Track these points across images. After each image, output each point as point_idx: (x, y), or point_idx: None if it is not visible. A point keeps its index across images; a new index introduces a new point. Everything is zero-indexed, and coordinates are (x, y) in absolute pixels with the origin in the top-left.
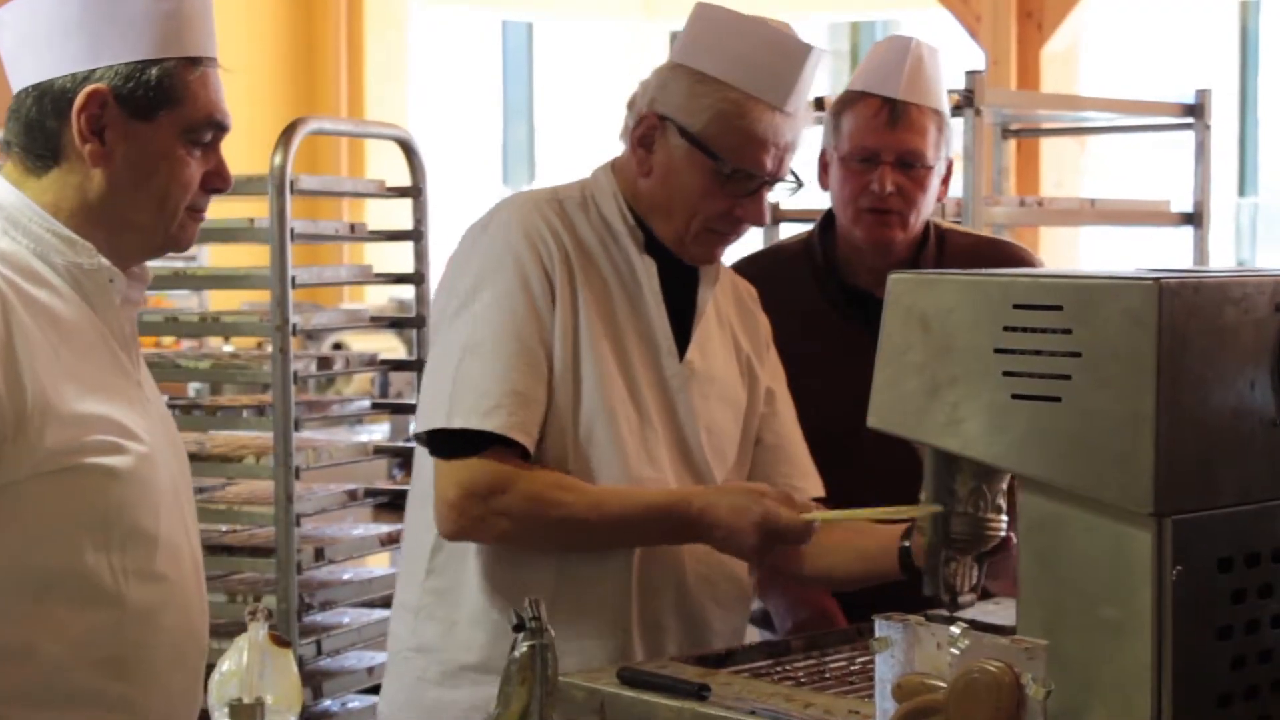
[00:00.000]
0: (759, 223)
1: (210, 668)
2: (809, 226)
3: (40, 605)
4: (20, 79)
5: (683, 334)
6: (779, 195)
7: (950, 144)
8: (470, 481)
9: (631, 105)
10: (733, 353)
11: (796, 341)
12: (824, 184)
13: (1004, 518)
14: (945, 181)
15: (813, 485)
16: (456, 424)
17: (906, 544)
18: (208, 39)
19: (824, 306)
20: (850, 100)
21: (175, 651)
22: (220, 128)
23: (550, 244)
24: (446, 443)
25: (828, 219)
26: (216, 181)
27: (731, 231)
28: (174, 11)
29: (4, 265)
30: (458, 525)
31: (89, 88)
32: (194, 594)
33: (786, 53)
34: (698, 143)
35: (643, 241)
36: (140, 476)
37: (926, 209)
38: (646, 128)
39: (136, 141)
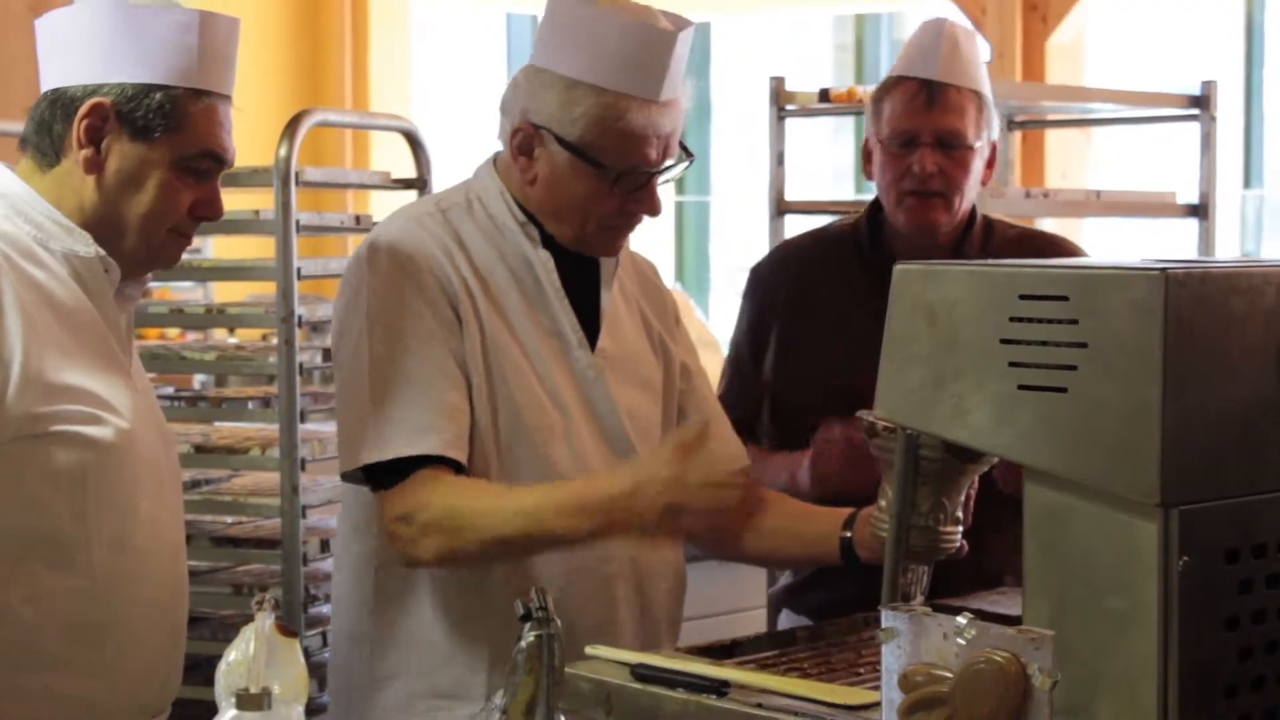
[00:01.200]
0: (655, 213)
1: (216, 658)
2: (816, 218)
3: (17, 568)
4: (46, 81)
5: (590, 322)
6: (678, 171)
7: (993, 126)
8: (402, 505)
9: (504, 110)
10: (644, 333)
11: (840, 323)
12: (869, 173)
13: (959, 529)
14: (990, 165)
15: (739, 453)
16: (390, 455)
17: (848, 534)
18: (223, 76)
19: (868, 290)
20: (889, 86)
21: (149, 624)
22: (217, 161)
23: (441, 260)
24: (382, 474)
25: (875, 206)
26: (205, 210)
27: (629, 224)
28: (194, 45)
29: (4, 244)
30: (399, 552)
31: (94, 99)
32: (171, 570)
33: (652, 41)
34: (578, 151)
35: (537, 237)
36: (119, 449)
37: (971, 192)
38: (524, 137)
39: (130, 158)
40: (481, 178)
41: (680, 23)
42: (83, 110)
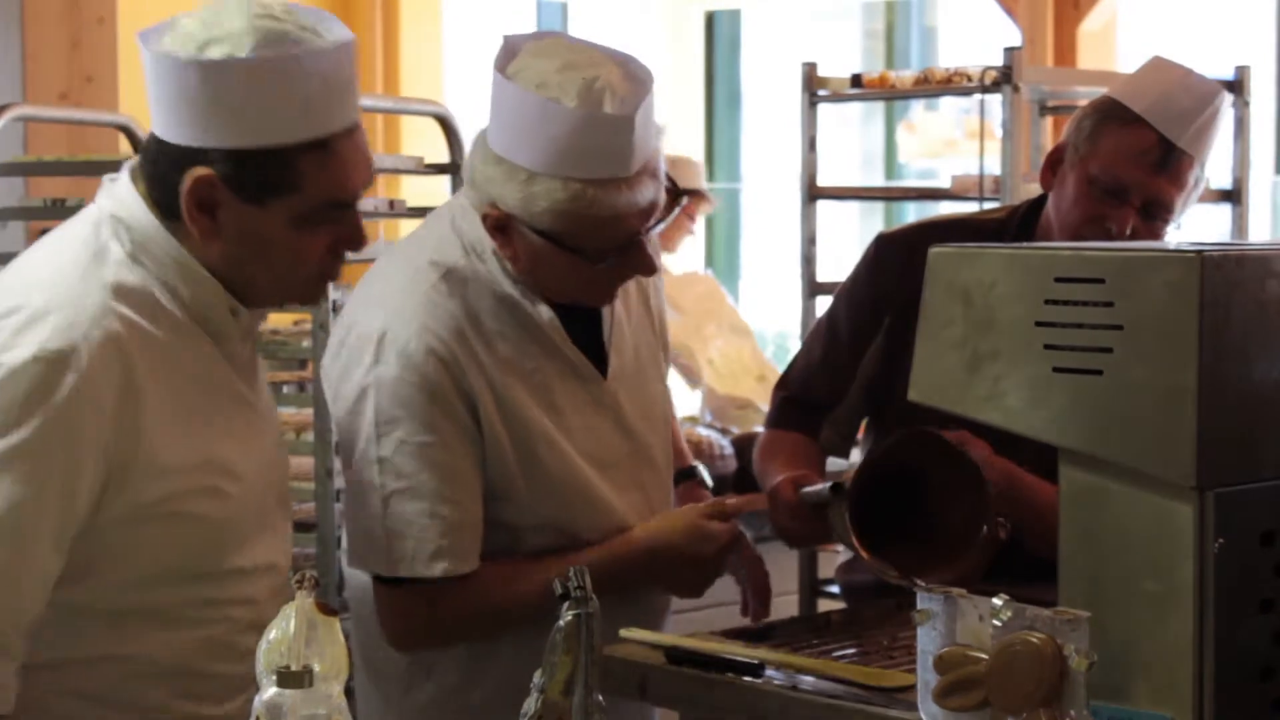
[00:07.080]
0: (650, 272)
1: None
2: (847, 204)
3: (115, 630)
4: (152, 122)
5: (596, 344)
6: (668, 221)
7: (1190, 204)
8: (415, 608)
9: (469, 182)
10: (645, 310)
11: None
12: (1047, 183)
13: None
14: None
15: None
16: (399, 574)
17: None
18: (341, 109)
19: None
20: (1121, 118)
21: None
22: (344, 206)
23: (454, 350)
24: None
25: (1034, 208)
26: (346, 246)
27: (623, 280)
28: (295, 93)
29: (127, 305)
30: (411, 647)
31: (196, 173)
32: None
33: (605, 129)
34: (553, 239)
35: (535, 296)
36: (232, 519)
37: None
38: (495, 221)
39: (248, 220)
40: (475, 227)
41: (633, 97)
42: (187, 185)
